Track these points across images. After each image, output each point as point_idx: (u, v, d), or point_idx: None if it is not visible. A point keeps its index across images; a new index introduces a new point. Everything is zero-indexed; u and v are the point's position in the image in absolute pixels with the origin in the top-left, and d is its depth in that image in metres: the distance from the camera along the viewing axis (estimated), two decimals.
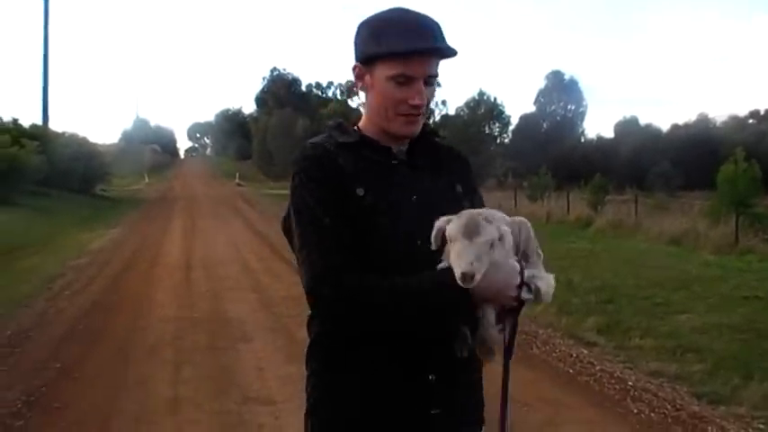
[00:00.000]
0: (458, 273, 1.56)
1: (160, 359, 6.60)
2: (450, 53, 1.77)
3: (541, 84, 61.77)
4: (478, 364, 1.86)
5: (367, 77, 1.78)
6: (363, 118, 1.87)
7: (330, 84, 64.29)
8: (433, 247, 1.65)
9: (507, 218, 1.70)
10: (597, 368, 6.27)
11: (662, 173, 41.36)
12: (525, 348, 6.94)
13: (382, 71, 1.74)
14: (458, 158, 1.96)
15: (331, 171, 1.74)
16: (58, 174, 30.02)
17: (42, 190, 27.36)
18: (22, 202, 23.39)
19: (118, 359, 6.64)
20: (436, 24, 1.77)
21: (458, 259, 1.57)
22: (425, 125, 1.86)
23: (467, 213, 1.63)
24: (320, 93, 65.67)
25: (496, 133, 60.54)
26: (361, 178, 1.75)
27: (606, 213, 20.58)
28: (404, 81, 1.72)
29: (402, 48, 1.69)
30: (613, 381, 5.92)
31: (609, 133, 60.09)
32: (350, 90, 62.37)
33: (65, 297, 9.69)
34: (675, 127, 54.96)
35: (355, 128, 1.87)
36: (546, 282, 1.76)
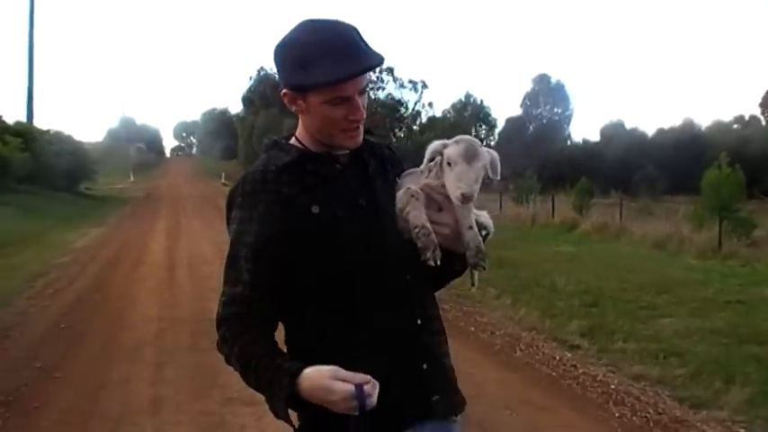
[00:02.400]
0: (458, 193, 1.69)
1: (142, 359, 6.56)
2: (380, 63, 1.75)
3: (528, 87, 62.08)
4: (447, 349, 1.93)
5: (300, 102, 1.75)
6: (301, 131, 1.84)
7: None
8: (424, 166, 1.79)
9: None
10: (580, 371, 6.28)
11: (647, 177, 41.62)
12: (508, 351, 6.96)
13: (316, 97, 1.70)
14: (392, 154, 1.98)
15: (272, 203, 1.73)
16: (42, 171, 29.90)
17: (26, 188, 27.21)
18: (4, 199, 23.18)
19: (100, 359, 6.60)
20: (354, 32, 1.72)
21: (458, 181, 1.70)
22: None
23: (465, 139, 1.76)
24: None
25: (483, 136, 60.76)
26: (313, 195, 1.75)
27: (591, 217, 20.64)
28: (340, 102, 1.70)
29: (334, 77, 1.65)
30: (596, 384, 5.93)
31: (595, 137, 60.42)
32: None
33: (47, 296, 9.63)
34: (661, 131, 55.33)
35: (292, 140, 1.85)
36: (486, 217, 1.91)
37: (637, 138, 53.49)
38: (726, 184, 15.49)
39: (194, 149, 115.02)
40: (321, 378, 1.59)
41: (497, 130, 61.17)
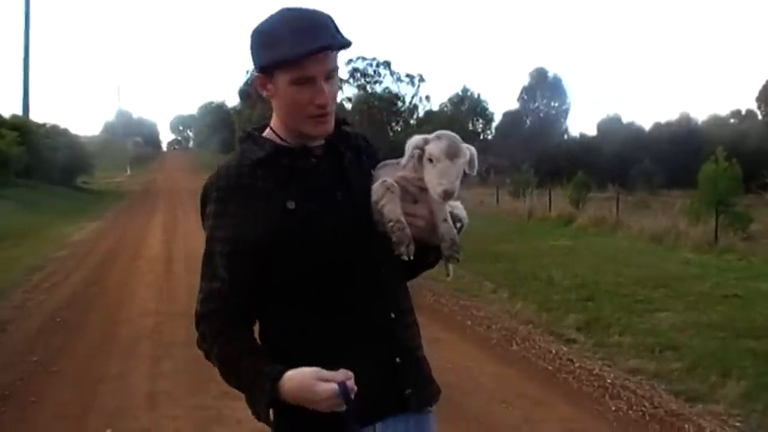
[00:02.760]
0: (440, 190, 1.69)
1: (139, 353, 6.57)
2: (345, 45, 1.75)
3: (525, 81, 61.96)
4: (420, 341, 1.95)
5: (269, 86, 1.76)
6: (275, 120, 1.85)
7: None
8: (405, 161, 1.76)
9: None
10: (576, 365, 6.29)
11: (644, 171, 41.66)
12: (504, 345, 6.97)
13: (282, 77, 1.71)
14: (368, 145, 1.97)
15: (247, 198, 1.74)
16: (38, 165, 29.87)
17: (23, 181, 27.17)
18: (2, 193, 23.16)
19: (97, 353, 6.60)
20: (326, 18, 1.74)
21: (441, 178, 1.69)
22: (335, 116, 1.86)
23: (447, 135, 1.75)
24: None
25: (480, 130, 60.72)
26: (288, 190, 1.75)
27: (588, 211, 20.65)
28: (305, 83, 1.70)
29: (295, 52, 1.66)
30: (592, 378, 5.95)
31: (592, 131, 60.38)
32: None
33: (44, 289, 9.64)
34: (658, 125, 55.35)
35: (266, 132, 1.85)
36: (460, 208, 1.90)
37: (634, 132, 53.47)
38: (722, 179, 15.52)
39: (191, 143, 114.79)
40: (304, 380, 1.61)
41: (494, 124, 61.12)
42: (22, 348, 6.65)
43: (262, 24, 1.74)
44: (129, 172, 54.40)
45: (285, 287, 1.76)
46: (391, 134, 51.28)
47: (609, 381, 5.85)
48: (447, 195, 1.69)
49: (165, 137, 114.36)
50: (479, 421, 4.88)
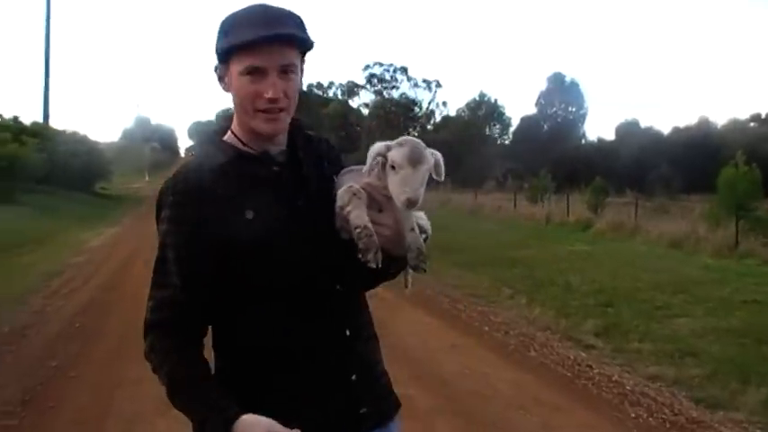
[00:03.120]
0: (403, 198, 1.63)
1: None
2: (302, 41, 1.71)
3: (542, 86, 61.84)
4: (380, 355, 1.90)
5: (227, 77, 1.73)
6: (234, 121, 1.81)
7: (331, 84, 63.97)
8: (367, 168, 1.70)
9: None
10: (595, 371, 6.24)
11: (662, 175, 41.41)
12: (522, 350, 6.93)
13: (235, 67, 1.68)
14: (331, 150, 1.93)
15: (205, 204, 1.69)
16: (58, 171, 30.11)
17: (42, 187, 27.41)
18: (22, 199, 23.38)
19: (114, 358, 6.61)
20: (291, 15, 1.71)
21: (403, 186, 1.64)
22: (296, 120, 1.81)
23: (409, 141, 1.69)
24: (320, 93, 65.51)
25: (497, 135, 60.70)
26: (247, 198, 1.70)
27: (606, 216, 20.55)
28: (256, 73, 1.66)
29: (246, 37, 1.63)
30: (611, 384, 5.90)
31: (610, 135, 60.12)
32: (350, 90, 62.28)
33: (62, 295, 9.68)
34: (676, 130, 55.04)
35: (227, 135, 1.81)
36: (425, 219, 1.86)
37: (652, 136, 53.22)
38: (742, 183, 15.40)
39: None
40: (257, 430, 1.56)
41: (511, 129, 61.02)
42: (41, 353, 6.68)
43: (228, 14, 1.72)
44: (147, 178, 54.79)
45: (238, 298, 1.71)
46: None
47: (628, 387, 5.80)
48: (410, 203, 1.64)
49: (183, 143, 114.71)
50: (497, 427, 4.85)
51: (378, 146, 1.72)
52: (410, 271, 1.83)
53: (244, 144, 1.77)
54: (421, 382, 5.58)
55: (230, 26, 1.69)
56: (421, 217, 1.83)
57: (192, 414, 1.67)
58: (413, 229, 1.73)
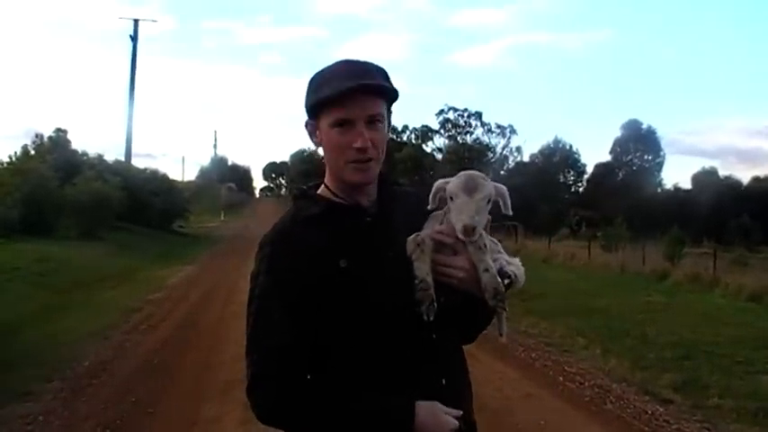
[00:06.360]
0: (459, 226, 1.67)
1: (233, 398, 6.65)
2: (387, 92, 1.77)
3: (618, 133, 61.08)
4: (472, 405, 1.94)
5: (318, 132, 1.79)
6: (327, 175, 1.86)
7: (405, 127, 64.34)
8: (431, 205, 1.76)
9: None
10: (673, 427, 6.09)
11: (741, 226, 40.36)
12: (599, 403, 6.80)
13: (325, 121, 1.74)
14: (421, 202, 1.90)
15: (301, 255, 1.74)
16: (138, 209, 30.96)
17: (123, 225, 28.23)
18: (104, 236, 24.11)
19: (191, 396, 6.75)
20: (376, 67, 1.78)
21: (459, 214, 1.68)
22: (383, 174, 1.85)
23: (466, 173, 1.75)
24: (394, 137, 65.95)
25: (571, 181, 60.03)
26: (342, 249, 1.75)
27: (683, 266, 20.07)
28: (344, 125, 1.71)
29: (334, 90, 1.69)
30: None
31: (686, 184, 58.91)
32: (424, 135, 62.53)
33: (141, 331, 9.94)
34: (756, 179, 53.64)
35: (321, 189, 1.87)
36: (516, 266, 1.86)
37: (730, 186, 52.04)
38: None
39: (283, 190, 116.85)
40: (433, 408, 1.68)
41: (586, 176, 60.31)
42: (120, 388, 6.86)
43: (317, 72, 1.80)
44: (222, 217, 55.76)
45: (333, 347, 1.75)
46: None
47: None
48: (467, 231, 1.67)
49: (258, 183, 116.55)
50: None
51: (438, 182, 1.77)
52: (503, 320, 1.85)
53: (336, 196, 1.83)
54: None
55: (318, 82, 1.77)
56: (513, 262, 1.86)
57: (367, 420, 1.70)
58: (487, 270, 1.73)
